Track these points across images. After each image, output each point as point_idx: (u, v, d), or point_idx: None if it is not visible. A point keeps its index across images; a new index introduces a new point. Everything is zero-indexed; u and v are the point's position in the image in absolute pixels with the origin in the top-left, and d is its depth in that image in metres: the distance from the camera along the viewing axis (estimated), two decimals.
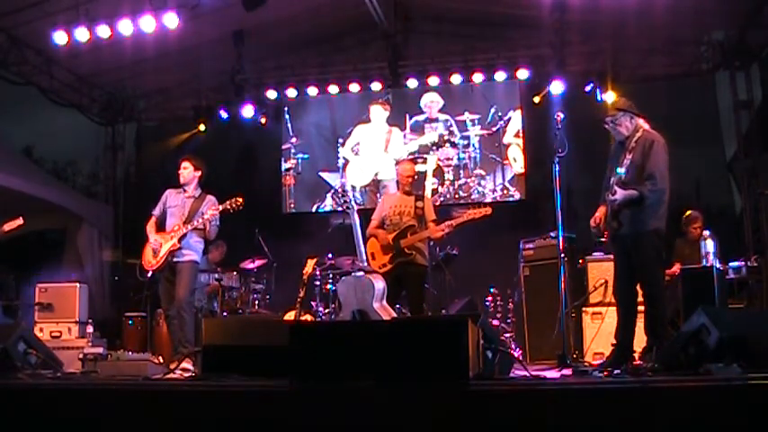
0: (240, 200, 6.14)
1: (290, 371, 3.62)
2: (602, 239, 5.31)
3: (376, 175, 10.28)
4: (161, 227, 6.37)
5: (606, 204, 5.09)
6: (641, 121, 5.14)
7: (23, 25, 8.74)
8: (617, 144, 5.20)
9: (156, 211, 6.43)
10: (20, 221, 6.99)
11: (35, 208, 9.06)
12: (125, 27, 8.25)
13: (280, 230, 9.42)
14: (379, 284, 5.71)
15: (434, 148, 10.12)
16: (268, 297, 8.52)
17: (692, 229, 7.46)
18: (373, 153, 10.33)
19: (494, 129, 9.94)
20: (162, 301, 6.39)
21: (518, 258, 7.73)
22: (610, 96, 8.73)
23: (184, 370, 5.28)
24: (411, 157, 9.81)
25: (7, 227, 6.92)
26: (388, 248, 6.37)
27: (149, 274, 6.27)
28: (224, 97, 10.08)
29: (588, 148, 7.67)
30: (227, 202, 6.16)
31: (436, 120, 10.15)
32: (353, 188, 10.16)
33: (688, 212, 7.59)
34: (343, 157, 10.40)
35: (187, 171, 6.39)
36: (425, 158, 10.11)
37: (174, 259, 6.15)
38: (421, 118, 10.20)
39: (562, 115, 5.38)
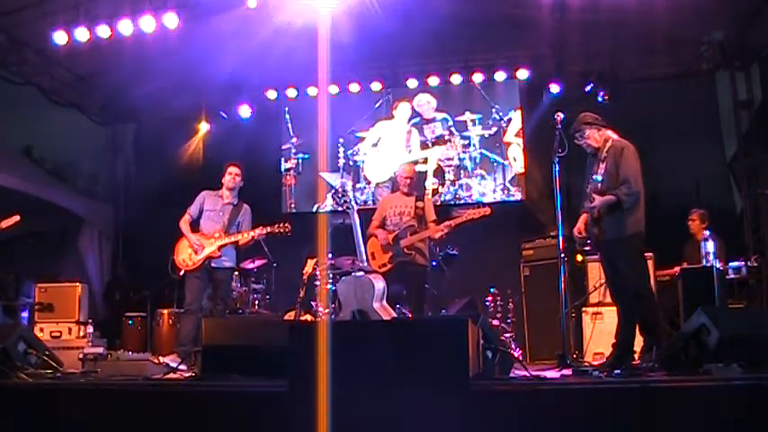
0: (288, 226, 6.40)
1: (289, 371, 3.62)
2: (587, 248, 5.40)
3: (394, 173, 10.13)
4: (194, 226, 6.49)
5: (587, 213, 5.25)
6: (609, 132, 5.28)
7: (23, 25, 8.72)
8: (590, 156, 5.34)
9: (193, 211, 6.55)
10: (16, 218, 7.01)
11: (35, 208, 9.05)
12: (125, 27, 8.25)
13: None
14: (379, 284, 5.71)
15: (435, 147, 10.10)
16: (268, 297, 8.51)
17: (690, 223, 7.47)
18: (393, 151, 10.20)
19: (494, 129, 9.93)
20: (187, 297, 6.43)
21: (518, 258, 7.71)
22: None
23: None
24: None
25: (4, 224, 6.96)
26: (389, 248, 6.39)
27: (182, 273, 6.40)
28: (224, 97, 10.05)
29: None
30: (276, 226, 6.38)
31: (433, 120, 10.13)
32: (363, 187, 10.09)
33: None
34: (364, 153, 10.27)
35: (239, 178, 6.63)
36: (426, 158, 10.10)
37: (213, 265, 6.37)
38: (417, 119, 10.17)
39: (562, 115, 5.40)
